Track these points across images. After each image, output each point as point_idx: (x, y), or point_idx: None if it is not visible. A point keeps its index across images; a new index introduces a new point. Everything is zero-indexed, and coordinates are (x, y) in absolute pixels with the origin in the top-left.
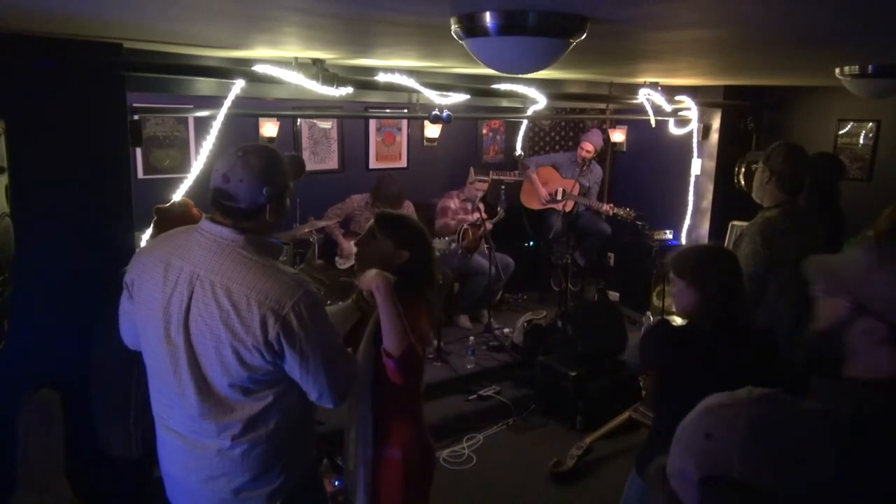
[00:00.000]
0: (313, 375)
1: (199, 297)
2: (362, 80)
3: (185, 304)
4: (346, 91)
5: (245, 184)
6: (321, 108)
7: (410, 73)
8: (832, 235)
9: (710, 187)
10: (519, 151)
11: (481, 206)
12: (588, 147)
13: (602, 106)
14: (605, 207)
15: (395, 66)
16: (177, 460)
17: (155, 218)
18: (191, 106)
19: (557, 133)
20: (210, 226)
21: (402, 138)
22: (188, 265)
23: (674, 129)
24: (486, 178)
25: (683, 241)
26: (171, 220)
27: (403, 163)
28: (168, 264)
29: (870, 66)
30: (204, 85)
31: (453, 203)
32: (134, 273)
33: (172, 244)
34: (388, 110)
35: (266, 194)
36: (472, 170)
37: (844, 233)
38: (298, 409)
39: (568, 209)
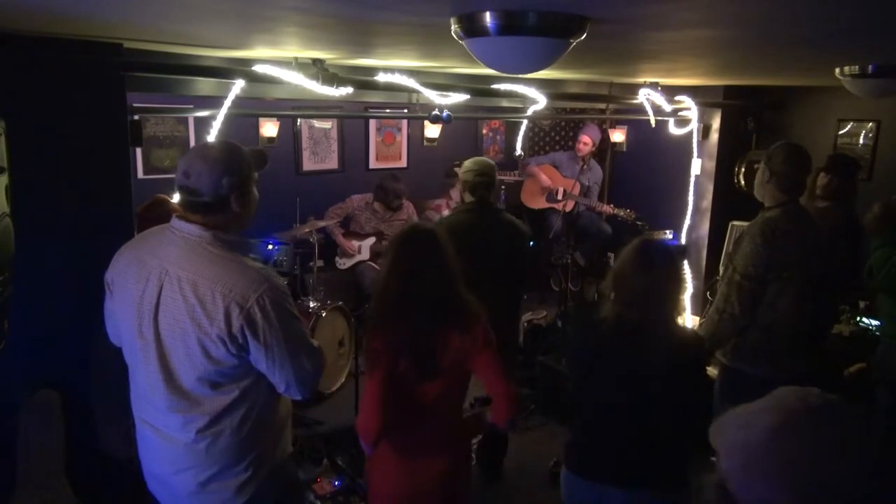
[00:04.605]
0: (279, 367)
1: (167, 293)
2: (362, 80)
3: (155, 300)
4: (346, 91)
5: (205, 176)
6: (321, 108)
7: (410, 73)
8: (850, 235)
9: (710, 187)
10: (519, 151)
11: None
12: (586, 140)
13: (602, 106)
14: (606, 208)
15: (395, 66)
16: (151, 453)
17: (137, 222)
18: (191, 106)
19: (557, 133)
20: (179, 223)
21: (402, 138)
22: (158, 261)
23: (674, 129)
24: None
25: (683, 241)
26: (153, 221)
27: (403, 163)
28: (141, 262)
29: (870, 66)
30: (204, 85)
31: (445, 205)
32: (113, 272)
33: (146, 242)
34: (388, 110)
35: (226, 184)
36: (457, 170)
37: (859, 232)
38: (266, 405)
39: (568, 209)
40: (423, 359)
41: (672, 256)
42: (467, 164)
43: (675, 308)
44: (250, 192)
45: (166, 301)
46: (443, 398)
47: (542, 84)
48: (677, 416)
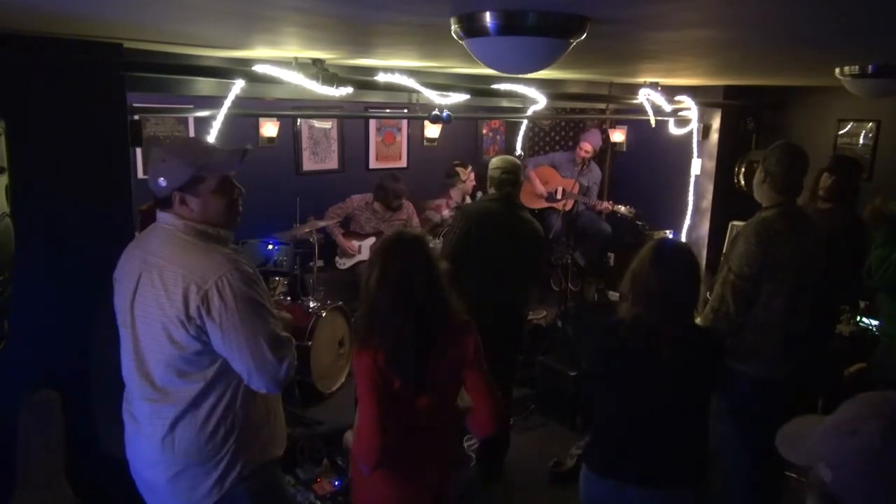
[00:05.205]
0: (238, 353)
1: (143, 280)
2: (362, 80)
3: (134, 288)
4: (346, 91)
5: (150, 176)
6: (321, 108)
7: (410, 73)
8: (852, 236)
9: (710, 187)
10: (519, 151)
11: None
12: (587, 147)
13: (602, 106)
14: (606, 204)
15: (395, 66)
16: (131, 446)
17: (139, 219)
18: (191, 106)
19: (557, 133)
20: (160, 214)
21: (402, 138)
22: (141, 252)
23: (674, 129)
24: (465, 167)
25: (683, 240)
26: (153, 219)
27: (403, 163)
28: (131, 255)
29: (870, 66)
30: (204, 85)
31: (444, 206)
32: (117, 270)
33: (140, 237)
34: (388, 110)
35: (163, 185)
36: (458, 170)
37: (862, 232)
38: (238, 401)
39: (568, 208)
40: (417, 370)
41: (688, 256)
42: (495, 161)
43: (692, 307)
44: (199, 194)
45: (141, 289)
46: (435, 411)
47: (542, 84)
48: (697, 414)
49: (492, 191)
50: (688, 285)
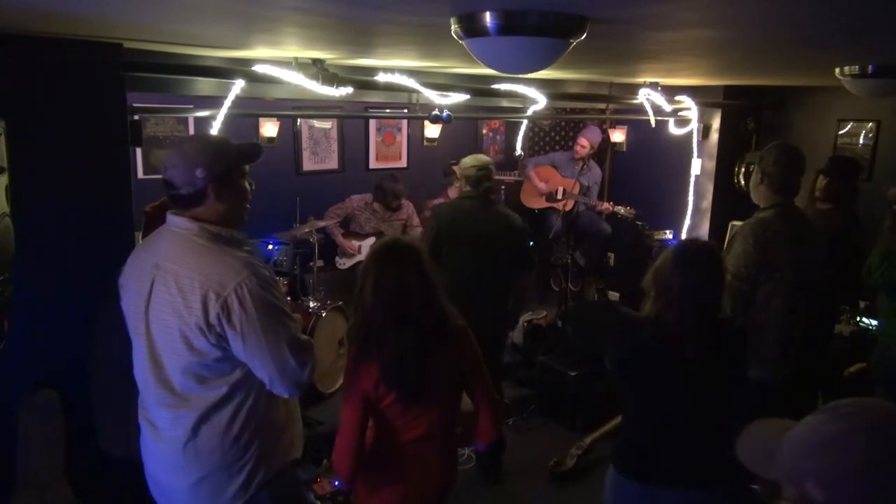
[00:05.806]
0: (259, 360)
1: (157, 286)
2: (362, 80)
3: (147, 294)
4: (346, 91)
5: (178, 169)
6: (321, 108)
7: (410, 73)
8: (851, 237)
9: (710, 187)
10: (519, 151)
11: None
12: (583, 143)
13: (602, 106)
14: (606, 205)
15: (395, 66)
16: (148, 451)
17: (144, 220)
18: (191, 106)
19: (557, 133)
20: (171, 218)
21: (402, 138)
22: (151, 257)
23: (674, 129)
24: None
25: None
26: (160, 221)
27: (403, 163)
28: (140, 260)
29: (870, 66)
30: (204, 85)
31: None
32: (123, 276)
33: (148, 242)
34: (388, 110)
35: (201, 176)
36: (455, 168)
37: (860, 233)
38: (260, 405)
39: (568, 208)
40: (415, 381)
41: (711, 256)
42: (467, 160)
43: (716, 306)
44: (233, 185)
45: (156, 294)
46: (436, 419)
47: (542, 84)
48: (724, 412)
49: (467, 189)
50: (710, 285)
